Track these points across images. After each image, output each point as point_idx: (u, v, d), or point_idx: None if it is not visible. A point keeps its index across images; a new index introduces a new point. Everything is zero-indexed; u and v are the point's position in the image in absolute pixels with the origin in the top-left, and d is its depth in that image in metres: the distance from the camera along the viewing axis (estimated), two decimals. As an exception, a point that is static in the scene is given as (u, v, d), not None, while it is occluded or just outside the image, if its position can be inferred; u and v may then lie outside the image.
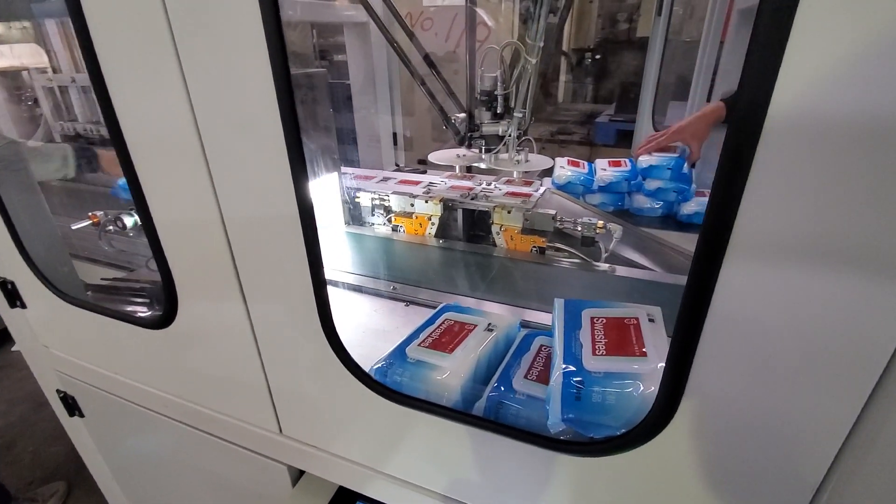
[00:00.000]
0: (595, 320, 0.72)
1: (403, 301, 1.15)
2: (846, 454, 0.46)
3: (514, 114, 1.26)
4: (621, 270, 1.21)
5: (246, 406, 0.90)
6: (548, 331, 0.90)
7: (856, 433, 0.45)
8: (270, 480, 0.99)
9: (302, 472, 0.97)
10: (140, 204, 0.74)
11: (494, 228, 1.36)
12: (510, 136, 1.33)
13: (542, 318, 1.03)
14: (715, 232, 0.41)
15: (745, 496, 0.53)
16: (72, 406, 1.29)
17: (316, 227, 0.64)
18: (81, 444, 1.45)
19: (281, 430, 0.88)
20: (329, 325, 0.70)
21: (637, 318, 0.70)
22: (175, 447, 1.18)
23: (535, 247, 1.32)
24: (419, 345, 0.83)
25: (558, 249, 1.31)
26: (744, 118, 0.36)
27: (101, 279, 1.35)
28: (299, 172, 0.60)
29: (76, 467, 2.27)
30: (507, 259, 1.32)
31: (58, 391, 1.28)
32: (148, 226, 0.75)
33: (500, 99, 1.27)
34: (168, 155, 0.68)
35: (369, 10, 1.32)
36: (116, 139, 0.69)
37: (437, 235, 1.43)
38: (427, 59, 1.40)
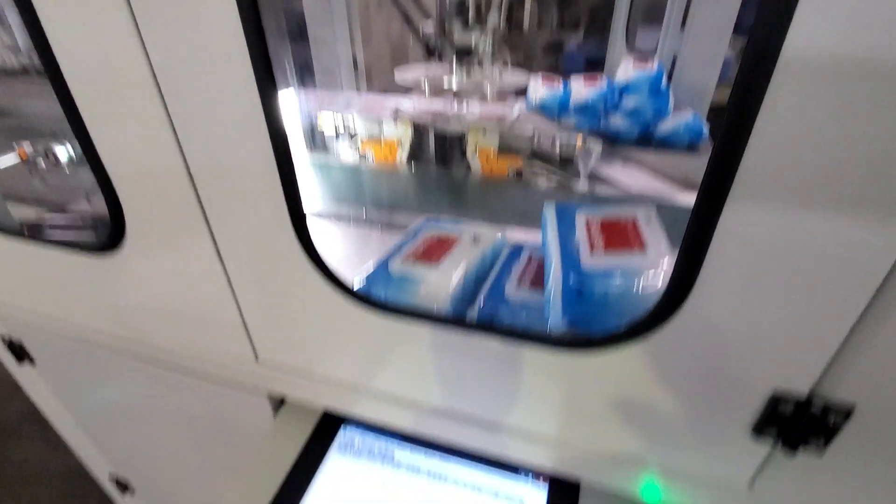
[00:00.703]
0: (590, 221, 0.69)
1: (377, 225, 1.09)
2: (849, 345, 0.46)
3: (488, 19, 1.16)
4: (602, 189, 1.18)
5: (216, 335, 0.84)
6: (535, 245, 0.87)
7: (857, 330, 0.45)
8: (250, 412, 0.95)
9: (283, 401, 0.93)
10: (79, 131, 0.63)
11: (469, 151, 1.29)
12: (484, 50, 1.23)
13: (523, 237, 1.00)
14: (729, 143, 0.40)
15: (751, 377, 0.53)
16: (19, 353, 1.19)
17: (284, 126, 0.56)
18: (37, 393, 1.36)
19: (257, 358, 0.83)
20: (305, 236, 0.64)
21: (635, 216, 0.67)
22: (141, 389, 1.11)
23: (512, 168, 1.26)
24: (403, 260, 0.78)
25: (537, 170, 1.26)
26: (758, 50, 0.36)
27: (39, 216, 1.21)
28: (263, 73, 0.52)
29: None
30: (484, 181, 1.27)
31: (1, 337, 1.17)
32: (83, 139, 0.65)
33: (471, 4, 1.16)
34: (110, 75, 0.58)
35: None
36: (49, 66, 0.59)
37: (408, 160, 1.35)
38: (390, -39, 1.26)
